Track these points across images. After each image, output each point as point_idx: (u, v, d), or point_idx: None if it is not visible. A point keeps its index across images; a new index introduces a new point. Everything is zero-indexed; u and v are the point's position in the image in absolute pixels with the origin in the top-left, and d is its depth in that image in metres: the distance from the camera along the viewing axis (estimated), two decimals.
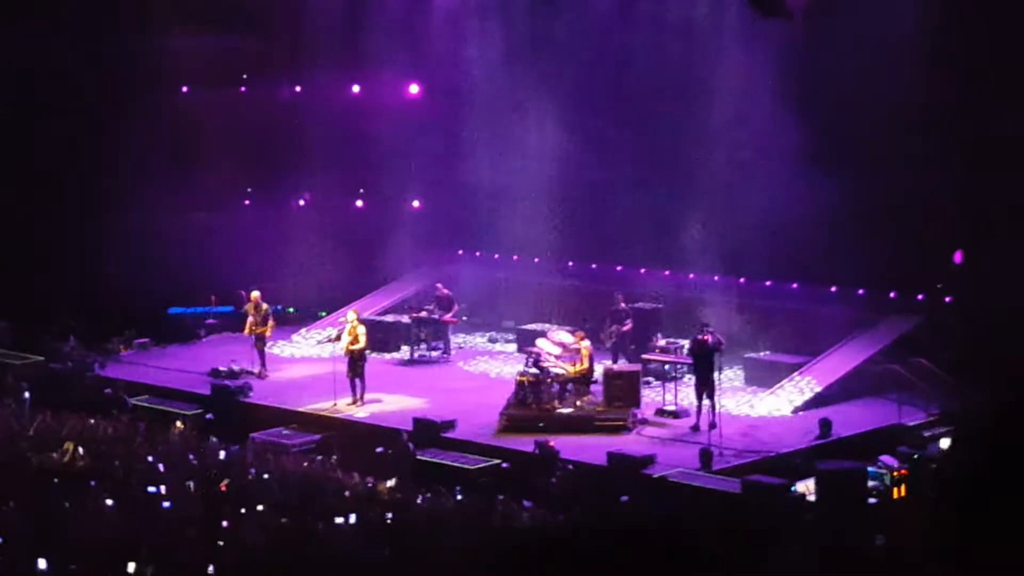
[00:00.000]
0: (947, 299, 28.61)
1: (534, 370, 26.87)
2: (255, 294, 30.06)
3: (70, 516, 20.11)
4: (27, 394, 27.93)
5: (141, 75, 33.87)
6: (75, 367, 29.59)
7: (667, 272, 31.54)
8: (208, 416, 27.17)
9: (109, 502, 20.74)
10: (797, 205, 28.14)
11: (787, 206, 28.41)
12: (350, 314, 28.78)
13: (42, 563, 17.99)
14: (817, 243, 28.39)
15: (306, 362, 31.02)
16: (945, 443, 23.97)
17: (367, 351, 28.13)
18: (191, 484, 21.88)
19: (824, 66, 28.17)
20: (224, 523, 19.90)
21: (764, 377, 28.31)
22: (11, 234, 32.94)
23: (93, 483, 21.72)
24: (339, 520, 20.00)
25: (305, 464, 24.04)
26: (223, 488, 21.67)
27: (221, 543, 19.14)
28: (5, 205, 33.23)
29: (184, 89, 35.79)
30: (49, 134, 33.69)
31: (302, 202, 36.37)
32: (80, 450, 23.84)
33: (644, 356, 28.76)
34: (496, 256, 34.81)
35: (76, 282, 31.92)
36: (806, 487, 22.08)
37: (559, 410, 26.45)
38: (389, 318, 32.86)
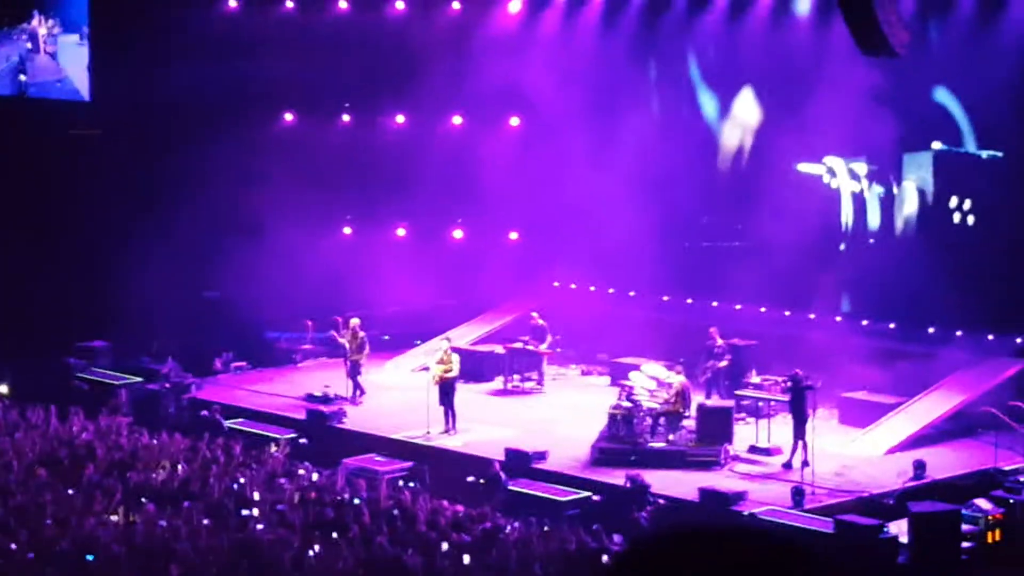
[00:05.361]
0: None
1: (627, 403, 26.82)
2: (354, 321, 30.26)
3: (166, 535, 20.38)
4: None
5: (245, 102, 34.29)
6: (172, 388, 29.95)
7: (763, 308, 31.41)
8: (302, 441, 27.38)
9: (205, 522, 21.00)
10: (895, 248, 27.96)
11: (882, 249, 28.23)
12: (443, 342, 28.91)
13: None
14: (915, 284, 28.14)
15: (400, 389, 31.08)
16: None
17: (458, 380, 28.23)
18: (284, 508, 22.10)
19: None
20: (315, 547, 20.09)
21: (859, 416, 28.05)
22: (113, 257, 33.36)
23: (188, 504, 21.98)
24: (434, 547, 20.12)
25: (399, 487, 24.18)
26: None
27: (312, 568, 19.32)
28: (111, 229, 33.70)
29: (288, 116, 36.21)
30: (155, 160, 34.18)
31: (401, 231, 36.60)
32: (177, 469, 24.16)
33: (738, 392, 28.62)
34: (592, 288, 34.83)
35: (176, 304, 32.29)
36: (899, 528, 21.89)
37: (651, 444, 26.39)
38: (484, 348, 32.88)
